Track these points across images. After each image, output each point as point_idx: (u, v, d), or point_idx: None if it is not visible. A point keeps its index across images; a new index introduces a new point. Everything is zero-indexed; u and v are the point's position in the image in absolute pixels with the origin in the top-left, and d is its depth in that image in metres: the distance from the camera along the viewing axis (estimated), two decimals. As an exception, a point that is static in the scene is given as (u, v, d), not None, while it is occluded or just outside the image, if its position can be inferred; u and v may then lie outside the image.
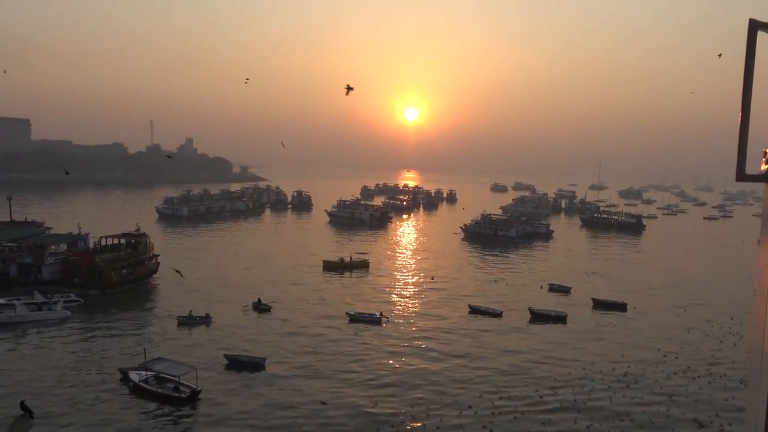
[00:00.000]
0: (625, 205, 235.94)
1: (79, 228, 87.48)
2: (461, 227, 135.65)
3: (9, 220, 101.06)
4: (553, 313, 63.31)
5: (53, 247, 75.35)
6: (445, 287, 76.34)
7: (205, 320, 56.54)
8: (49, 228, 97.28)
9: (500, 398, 40.80)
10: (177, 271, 67.84)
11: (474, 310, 64.07)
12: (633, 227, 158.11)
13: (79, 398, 38.32)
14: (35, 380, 41.09)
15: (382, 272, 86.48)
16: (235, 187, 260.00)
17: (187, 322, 55.82)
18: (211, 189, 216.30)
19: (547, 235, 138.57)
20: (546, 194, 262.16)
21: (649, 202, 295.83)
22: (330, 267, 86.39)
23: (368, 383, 42.75)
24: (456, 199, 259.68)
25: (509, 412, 38.50)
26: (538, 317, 62.52)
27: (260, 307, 62.10)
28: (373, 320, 58.96)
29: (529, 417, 37.94)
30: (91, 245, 78.74)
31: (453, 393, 41.53)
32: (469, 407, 39.14)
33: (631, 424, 37.60)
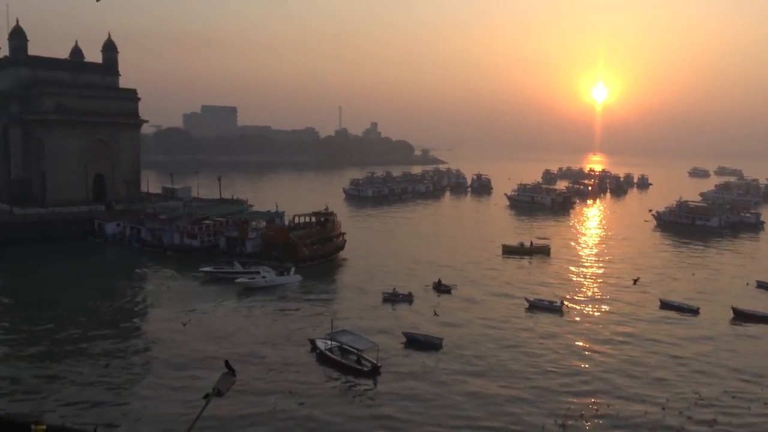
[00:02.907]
0: None
1: (276, 206, 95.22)
2: (653, 215, 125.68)
3: (219, 197, 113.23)
4: (761, 314, 56.31)
5: (255, 223, 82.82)
6: (633, 277, 71.33)
7: (408, 298, 58.40)
8: (251, 205, 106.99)
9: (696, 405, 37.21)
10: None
11: (666, 305, 59.06)
12: None
13: (273, 360, 41.83)
14: (240, 340, 45.60)
15: (564, 259, 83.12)
16: (417, 169, 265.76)
17: (391, 298, 58.16)
18: (394, 171, 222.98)
19: (756, 226, 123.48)
20: (756, 181, 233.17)
21: None
22: (509, 251, 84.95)
23: (548, 375, 41.36)
24: (648, 185, 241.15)
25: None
26: (742, 317, 55.99)
27: (440, 288, 62.90)
28: (554, 308, 56.90)
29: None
30: (286, 222, 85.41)
31: (642, 395, 38.67)
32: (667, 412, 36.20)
33: None
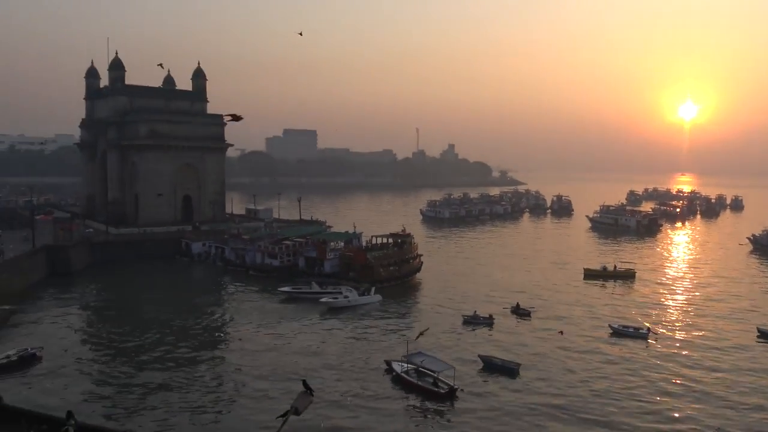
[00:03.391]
0: None
1: (354, 227, 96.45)
2: (749, 238, 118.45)
3: (298, 218, 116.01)
4: None
5: (333, 243, 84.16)
6: (727, 305, 67.35)
7: (488, 321, 57.60)
8: (329, 226, 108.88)
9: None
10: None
11: (765, 335, 55.27)
12: None
13: (349, 380, 42.11)
14: (317, 359, 46.25)
15: (651, 284, 79.55)
16: (494, 191, 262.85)
17: (472, 321, 57.52)
18: (471, 193, 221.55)
19: None
20: None
21: None
22: (591, 275, 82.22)
23: (632, 410, 39.49)
24: (742, 206, 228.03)
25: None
26: None
27: (519, 312, 61.62)
28: (639, 335, 54.41)
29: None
30: (364, 243, 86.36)
31: None
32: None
33: None
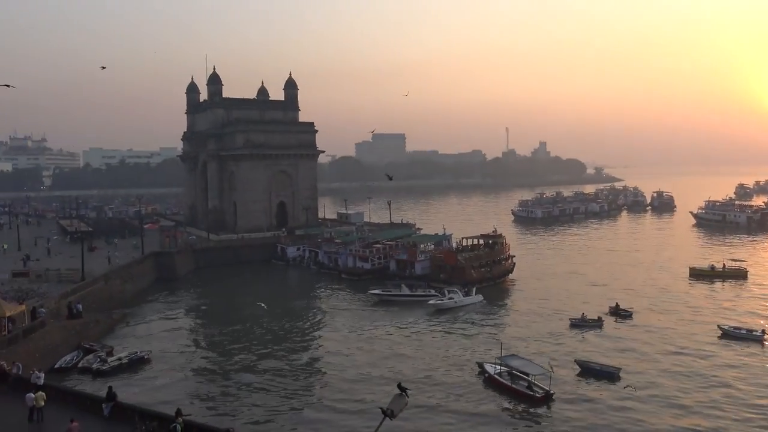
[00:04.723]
0: None
1: (444, 229, 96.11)
2: None
3: (389, 221, 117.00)
4: None
5: (423, 245, 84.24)
6: None
7: (597, 324, 55.66)
8: (419, 229, 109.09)
9: None
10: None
11: None
12: None
13: (442, 382, 41.89)
14: (412, 361, 46.41)
15: (765, 284, 74.08)
16: (589, 188, 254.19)
17: (579, 324, 55.73)
18: (564, 191, 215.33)
19: None
20: None
21: None
22: (698, 274, 77.60)
23: (747, 422, 36.88)
24: None
25: None
26: None
27: (618, 313, 59.14)
28: (753, 338, 50.76)
29: None
30: (454, 245, 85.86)
31: None
32: None
33: None
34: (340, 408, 38.28)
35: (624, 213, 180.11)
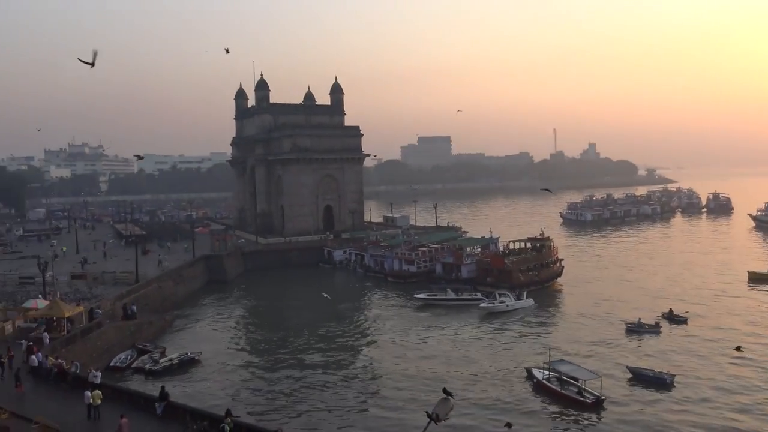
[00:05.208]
0: None
1: (491, 232, 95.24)
2: None
3: (435, 224, 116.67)
4: None
5: (469, 249, 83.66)
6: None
7: (654, 329, 54.05)
8: (465, 232, 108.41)
9: None
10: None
11: None
12: None
13: (489, 387, 41.44)
14: (459, 365, 46.13)
15: (830, 289, 70.72)
16: (641, 190, 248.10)
17: (636, 329, 54.10)
18: (615, 193, 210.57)
19: None
20: None
21: None
22: (758, 279, 74.57)
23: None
24: None
25: None
26: None
27: (672, 319, 57.39)
28: (818, 346, 48.48)
29: None
30: (501, 248, 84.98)
31: None
32: None
33: None
34: (386, 412, 38.28)
35: (678, 215, 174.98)
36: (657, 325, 54.71)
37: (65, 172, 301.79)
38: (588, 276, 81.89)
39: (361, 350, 52.82)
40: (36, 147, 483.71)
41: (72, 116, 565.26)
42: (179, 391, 39.66)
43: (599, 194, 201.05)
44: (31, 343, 41.14)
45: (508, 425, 33.83)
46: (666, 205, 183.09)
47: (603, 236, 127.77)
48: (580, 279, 79.29)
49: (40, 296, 54.16)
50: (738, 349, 47.85)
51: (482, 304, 63.19)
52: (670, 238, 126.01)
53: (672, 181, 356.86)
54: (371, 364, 48.27)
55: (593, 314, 60.80)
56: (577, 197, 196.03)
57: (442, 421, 15.78)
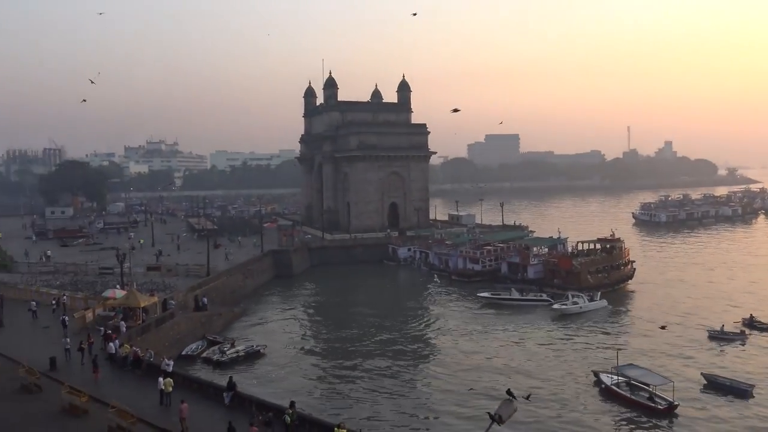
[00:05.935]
0: None
1: (559, 232, 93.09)
2: None
3: (501, 223, 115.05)
4: None
5: (536, 249, 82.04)
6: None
7: (740, 337, 51.50)
8: (532, 231, 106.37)
9: None
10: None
11: None
12: None
13: (555, 390, 40.51)
14: (524, 367, 45.36)
15: None
16: (720, 190, 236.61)
17: (719, 337, 51.74)
18: (692, 193, 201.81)
19: None
20: None
21: None
22: None
23: None
24: None
25: None
26: None
27: (754, 326, 54.42)
28: None
29: None
30: (569, 249, 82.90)
31: None
32: None
33: None
34: (447, 410, 38.06)
35: (761, 217, 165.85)
36: (742, 333, 51.94)
37: (143, 168, 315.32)
38: (661, 279, 78.77)
39: (424, 348, 52.69)
40: (117, 144, 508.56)
41: (150, 115, 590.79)
42: (244, 382, 40.69)
43: (675, 194, 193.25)
44: (110, 331, 43.18)
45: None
46: (748, 206, 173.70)
47: (678, 238, 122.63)
48: (653, 282, 76.38)
49: (117, 286, 56.62)
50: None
51: (554, 305, 61.89)
52: (752, 241, 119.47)
53: (755, 182, 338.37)
54: (433, 362, 48.09)
55: (665, 318, 58.38)
56: (651, 197, 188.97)
57: (505, 423, 15.49)
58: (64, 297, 54.28)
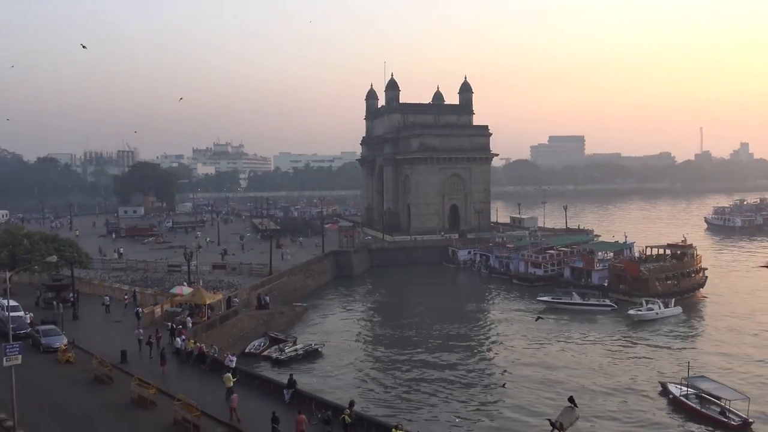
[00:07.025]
0: None
1: (626, 237, 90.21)
2: None
3: (564, 227, 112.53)
4: None
5: (601, 253, 79.76)
6: None
7: None
8: (597, 236, 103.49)
9: None
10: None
11: None
12: None
13: (620, 400, 39.18)
14: (588, 374, 44.19)
15: None
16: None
17: None
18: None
19: None
20: None
21: None
22: None
23: None
24: None
25: None
26: None
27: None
28: None
29: None
30: (636, 254, 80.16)
31: None
32: None
33: None
34: (507, 416, 37.43)
35: None
36: None
37: (210, 170, 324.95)
38: (735, 287, 75.17)
39: (484, 352, 52.08)
40: (185, 146, 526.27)
41: (217, 117, 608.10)
42: (303, 380, 41.24)
43: (752, 198, 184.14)
44: (180, 326, 44.71)
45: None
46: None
47: (755, 245, 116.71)
48: (726, 290, 72.97)
49: (185, 283, 58.63)
50: None
51: (630, 311, 60.12)
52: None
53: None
54: (492, 367, 47.41)
55: (740, 329, 55.71)
56: (725, 201, 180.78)
57: (566, 430, 15.15)
58: (135, 291, 56.91)
